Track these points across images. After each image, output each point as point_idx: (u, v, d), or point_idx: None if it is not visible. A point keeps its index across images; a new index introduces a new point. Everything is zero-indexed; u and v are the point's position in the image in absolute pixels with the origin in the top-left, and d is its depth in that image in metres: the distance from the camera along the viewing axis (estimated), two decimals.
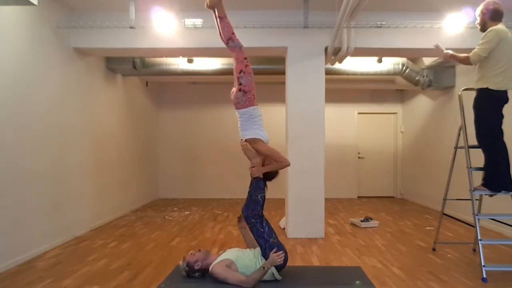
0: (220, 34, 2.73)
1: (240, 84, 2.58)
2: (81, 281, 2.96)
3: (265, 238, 2.48)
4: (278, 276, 2.51)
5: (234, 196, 7.50)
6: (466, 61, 3.16)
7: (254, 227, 2.50)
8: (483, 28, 3.15)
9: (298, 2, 4.22)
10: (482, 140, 3.23)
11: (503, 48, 3.02)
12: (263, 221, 2.51)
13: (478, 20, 3.19)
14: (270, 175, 2.68)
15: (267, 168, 2.62)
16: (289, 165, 2.65)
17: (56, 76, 4.10)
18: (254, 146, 2.60)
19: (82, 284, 2.91)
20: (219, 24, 2.69)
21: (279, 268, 2.52)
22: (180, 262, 2.61)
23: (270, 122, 7.93)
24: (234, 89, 2.65)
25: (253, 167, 2.61)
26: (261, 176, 2.61)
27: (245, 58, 2.63)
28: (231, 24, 2.66)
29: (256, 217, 2.50)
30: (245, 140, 2.63)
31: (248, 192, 2.60)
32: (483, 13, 3.13)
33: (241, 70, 2.59)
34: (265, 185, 2.63)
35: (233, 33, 2.68)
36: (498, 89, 3.06)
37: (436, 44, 3.41)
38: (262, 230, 2.48)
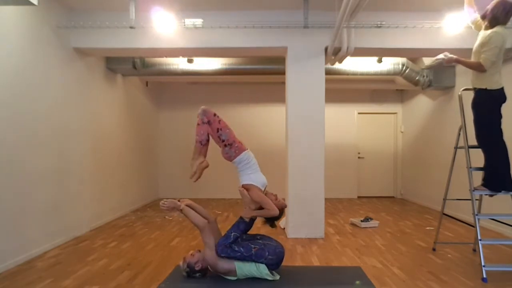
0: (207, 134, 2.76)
1: (223, 140, 2.65)
2: (81, 281, 2.96)
3: (246, 255, 2.50)
4: (270, 277, 2.51)
5: (234, 196, 7.50)
6: (480, 68, 3.09)
7: (231, 257, 2.51)
8: (489, 20, 3.09)
9: (298, 2, 4.22)
10: (481, 140, 3.24)
11: (502, 50, 3.06)
12: (234, 247, 2.52)
13: (489, 10, 3.07)
14: (271, 217, 2.69)
15: (255, 212, 2.62)
16: (276, 214, 2.63)
17: (56, 76, 4.10)
18: (248, 192, 2.61)
19: (82, 284, 2.91)
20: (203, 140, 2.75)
21: (276, 262, 2.53)
22: (180, 263, 2.61)
23: (270, 122, 7.97)
24: (220, 149, 2.71)
25: (245, 208, 2.64)
26: (248, 219, 2.61)
27: (215, 115, 2.69)
28: (199, 132, 2.71)
29: (225, 250, 2.50)
30: (242, 186, 2.65)
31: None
32: (499, 10, 3.02)
33: (218, 129, 2.65)
34: (247, 229, 2.64)
35: (199, 124, 2.71)
36: (496, 88, 3.09)
37: (435, 59, 3.37)
38: (239, 253, 2.50)
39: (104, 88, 5.37)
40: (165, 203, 2.59)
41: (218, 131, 2.65)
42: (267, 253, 2.50)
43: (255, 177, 2.67)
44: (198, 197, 7.64)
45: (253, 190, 2.61)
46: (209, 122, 2.67)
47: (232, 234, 2.56)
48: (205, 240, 2.56)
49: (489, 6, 3.09)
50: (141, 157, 6.82)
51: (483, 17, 3.16)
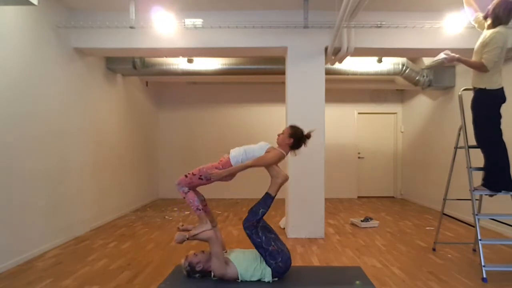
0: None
1: (210, 178, 2.65)
2: (81, 281, 2.96)
3: (264, 247, 2.48)
4: (271, 280, 2.51)
5: (234, 196, 7.50)
6: (482, 68, 3.07)
7: (251, 238, 2.50)
8: (491, 20, 3.07)
9: (298, 2, 4.22)
10: (481, 141, 3.23)
11: (504, 50, 3.05)
12: (259, 231, 2.50)
13: (491, 10, 3.05)
14: (296, 143, 2.71)
15: (280, 182, 2.63)
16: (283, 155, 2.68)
17: (56, 76, 4.09)
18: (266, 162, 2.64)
19: (82, 284, 2.91)
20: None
21: (282, 271, 2.52)
22: (182, 261, 2.61)
23: (270, 122, 7.96)
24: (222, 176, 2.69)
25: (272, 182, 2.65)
26: (274, 194, 2.61)
27: (186, 176, 2.67)
28: (189, 202, 2.68)
29: (250, 228, 2.49)
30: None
31: (254, 205, 2.61)
32: (501, 9, 2.99)
33: (199, 178, 2.65)
34: (271, 202, 2.63)
35: (185, 197, 2.69)
36: (495, 88, 3.08)
37: (436, 59, 3.29)
38: (259, 240, 2.48)
39: (104, 88, 5.37)
40: (176, 239, 2.63)
41: (201, 179, 2.65)
42: (279, 259, 2.48)
43: (257, 149, 2.68)
44: None
45: (265, 160, 2.63)
46: (190, 187, 2.67)
47: (260, 210, 2.54)
48: (213, 250, 2.50)
49: (490, 6, 3.08)
50: (141, 157, 6.82)
51: (485, 17, 3.14)
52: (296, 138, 2.70)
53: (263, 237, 2.49)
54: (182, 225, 2.83)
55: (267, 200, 2.58)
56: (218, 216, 5.80)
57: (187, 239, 2.59)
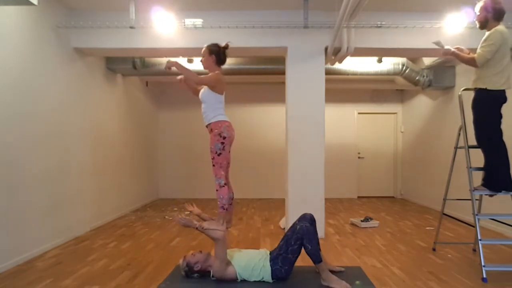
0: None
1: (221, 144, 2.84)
2: (81, 281, 2.96)
3: (288, 250, 2.46)
4: (270, 281, 2.50)
5: (234, 196, 7.48)
6: (471, 63, 3.09)
7: (292, 234, 2.47)
8: (483, 26, 3.12)
9: (298, 2, 4.22)
10: (481, 141, 3.23)
11: (503, 49, 3.03)
12: (298, 240, 2.44)
13: (479, 15, 3.12)
14: (219, 57, 2.92)
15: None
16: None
17: (56, 76, 4.09)
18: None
19: (82, 284, 2.91)
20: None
21: (280, 277, 2.51)
22: (180, 261, 2.61)
23: (270, 122, 7.97)
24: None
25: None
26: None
27: (214, 165, 2.87)
28: (222, 194, 2.83)
29: (301, 232, 2.44)
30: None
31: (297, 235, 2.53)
32: (487, 11, 3.05)
33: (219, 153, 2.82)
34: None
35: (222, 187, 2.86)
36: (496, 89, 3.07)
37: (437, 41, 3.31)
38: (293, 243, 2.45)
39: (104, 88, 5.37)
40: (182, 220, 2.55)
41: (220, 154, 2.82)
42: (286, 267, 2.47)
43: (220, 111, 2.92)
44: (198, 197, 7.65)
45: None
46: (223, 169, 2.83)
47: (310, 244, 2.46)
48: (219, 252, 2.46)
49: (477, 10, 3.11)
50: (141, 157, 6.83)
51: (482, 27, 3.15)
52: (216, 52, 2.88)
53: (296, 246, 2.46)
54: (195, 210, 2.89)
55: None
56: None
57: (196, 228, 2.54)
